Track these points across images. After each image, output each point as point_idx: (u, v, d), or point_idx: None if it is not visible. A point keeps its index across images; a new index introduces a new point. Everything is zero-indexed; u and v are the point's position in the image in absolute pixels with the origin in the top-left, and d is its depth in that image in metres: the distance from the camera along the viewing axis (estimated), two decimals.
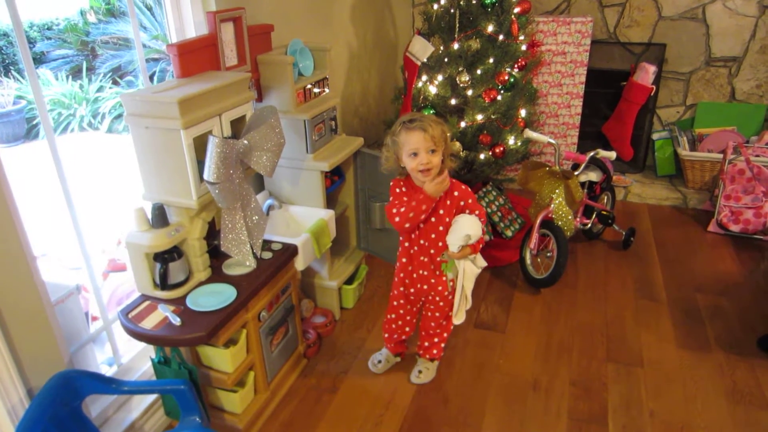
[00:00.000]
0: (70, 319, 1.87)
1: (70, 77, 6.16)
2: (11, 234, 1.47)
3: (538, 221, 2.80)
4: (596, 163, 3.11)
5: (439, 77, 2.97)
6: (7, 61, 6.09)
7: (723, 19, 3.65)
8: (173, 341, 1.70)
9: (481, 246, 1.95)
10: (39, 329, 1.57)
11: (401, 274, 2.09)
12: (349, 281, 2.69)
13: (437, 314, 2.14)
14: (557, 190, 2.80)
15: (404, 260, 2.06)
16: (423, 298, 2.14)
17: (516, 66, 3.00)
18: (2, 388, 1.47)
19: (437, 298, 2.08)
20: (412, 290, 2.10)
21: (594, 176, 3.08)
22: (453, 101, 2.97)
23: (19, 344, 1.51)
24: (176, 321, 1.72)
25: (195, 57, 1.91)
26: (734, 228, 3.29)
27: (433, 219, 1.93)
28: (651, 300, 2.75)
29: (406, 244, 2.03)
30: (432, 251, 1.98)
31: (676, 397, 2.16)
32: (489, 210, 3.18)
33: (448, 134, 1.89)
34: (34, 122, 5.77)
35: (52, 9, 6.34)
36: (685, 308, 2.68)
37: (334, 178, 2.59)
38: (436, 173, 1.84)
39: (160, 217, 1.78)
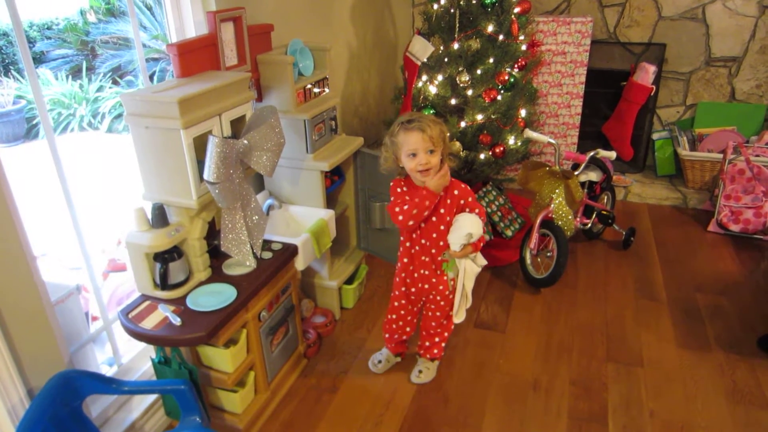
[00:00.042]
0: (70, 319, 1.87)
1: (70, 77, 6.16)
2: (11, 234, 1.47)
3: (538, 221, 2.80)
4: (596, 163, 3.11)
5: (439, 77, 2.97)
6: (6, 61, 6.09)
7: (723, 19, 3.65)
8: (173, 341, 1.70)
9: (482, 245, 1.95)
10: (39, 329, 1.57)
11: (402, 274, 2.09)
12: (349, 281, 2.69)
13: (438, 314, 2.14)
14: (557, 190, 2.80)
15: (405, 260, 2.06)
16: (424, 298, 2.14)
17: (516, 66, 3.00)
18: (2, 388, 1.47)
19: (438, 298, 2.08)
20: (413, 289, 2.10)
21: (594, 176, 3.08)
22: (453, 101, 2.97)
23: (19, 344, 1.51)
24: (176, 321, 1.72)
25: (195, 57, 1.91)
26: (734, 228, 3.29)
27: (434, 218, 1.93)
28: (651, 300, 2.75)
29: (408, 244, 2.03)
30: (433, 251, 1.98)
31: (676, 397, 2.16)
32: (489, 210, 3.18)
33: (447, 134, 1.89)
34: (34, 122, 5.77)
35: (52, 9, 6.34)
36: (685, 308, 2.68)
37: (334, 177, 2.59)
38: (436, 172, 1.85)
39: (160, 217, 1.78)
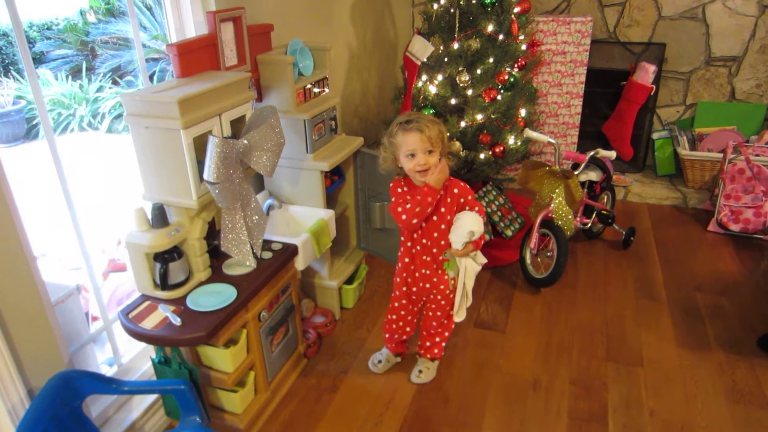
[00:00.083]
0: (70, 319, 1.87)
1: (70, 77, 6.16)
2: (11, 234, 1.47)
3: (538, 221, 2.80)
4: (596, 163, 3.11)
5: (439, 77, 2.97)
6: (6, 61, 6.09)
7: (723, 19, 3.64)
8: (173, 341, 1.70)
9: (482, 243, 1.96)
10: (39, 329, 1.57)
11: (404, 274, 2.09)
12: (349, 281, 2.69)
13: (438, 313, 2.14)
14: (557, 190, 2.80)
15: (407, 260, 2.05)
16: (424, 298, 2.14)
17: (516, 66, 3.00)
18: (2, 388, 1.47)
19: (439, 297, 2.08)
20: (414, 289, 2.10)
21: (594, 176, 3.08)
22: (453, 101, 2.97)
23: (20, 344, 1.51)
24: (176, 321, 1.72)
25: (195, 57, 1.91)
26: (734, 227, 3.29)
27: (435, 218, 1.93)
28: (651, 299, 2.75)
29: (409, 244, 2.03)
30: (434, 250, 1.98)
31: (676, 397, 2.16)
32: (489, 210, 3.18)
33: (445, 133, 1.89)
34: (34, 122, 5.77)
35: (52, 9, 6.34)
36: (685, 308, 2.68)
37: (334, 177, 2.59)
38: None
39: (160, 217, 1.78)
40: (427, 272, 2.03)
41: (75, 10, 6.37)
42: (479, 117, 2.92)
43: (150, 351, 2.01)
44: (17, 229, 1.49)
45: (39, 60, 6.19)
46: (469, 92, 2.93)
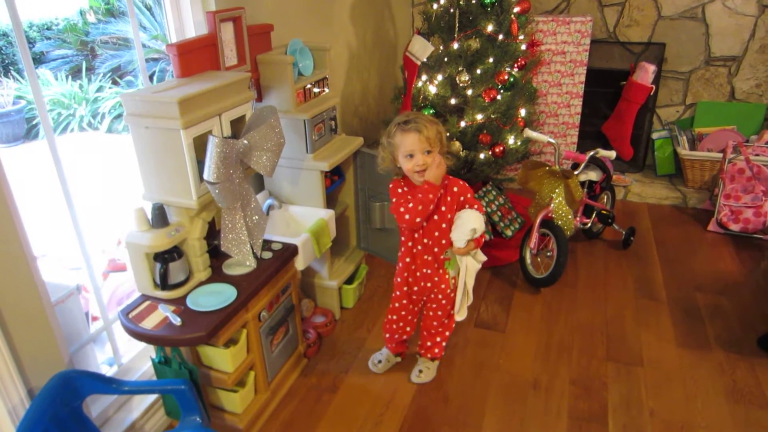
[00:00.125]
0: (71, 319, 1.87)
1: (70, 77, 6.17)
2: (11, 234, 1.47)
3: (538, 221, 2.80)
4: (596, 163, 3.11)
5: (439, 77, 2.97)
6: (6, 61, 6.09)
7: (722, 19, 3.65)
8: (173, 341, 1.70)
9: (483, 240, 1.97)
10: (39, 329, 1.58)
11: (405, 274, 2.09)
12: (349, 281, 2.69)
13: (439, 312, 2.14)
14: (557, 190, 2.80)
15: (408, 260, 2.05)
16: (425, 297, 2.14)
17: (516, 65, 3.00)
18: (3, 388, 1.47)
19: (440, 296, 2.09)
20: (415, 288, 2.09)
21: (594, 175, 3.08)
22: (453, 101, 2.97)
23: (20, 344, 1.51)
24: (176, 321, 1.72)
25: (195, 57, 1.91)
26: (734, 227, 3.29)
27: (435, 217, 1.93)
28: (651, 299, 2.75)
29: (410, 244, 2.03)
30: (436, 249, 1.99)
31: (676, 396, 2.17)
32: (489, 209, 3.19)
33: (443, 133, 1.89)
34: (34, 122, 5.77)
35: (52, 9, 6.34)
36: (685, 307, 2.68)
37: (333, 177, 2.59)
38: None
39: (160, 217, 1.78)
40: (429, 271, 2.03)
41: (75, 10, 6.37)
42: (479, 117, 2.92)
43: (150, 351, 2.01)
44: (17, 229, 1.49)
45: (39, 60, 6.19)
46: (469, 92, 2.93)
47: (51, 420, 1.44)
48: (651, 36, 3.82)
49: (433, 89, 2.98)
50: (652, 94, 3.69)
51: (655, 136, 3.98)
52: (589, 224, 3.15)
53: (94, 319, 2.35)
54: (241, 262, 1.98)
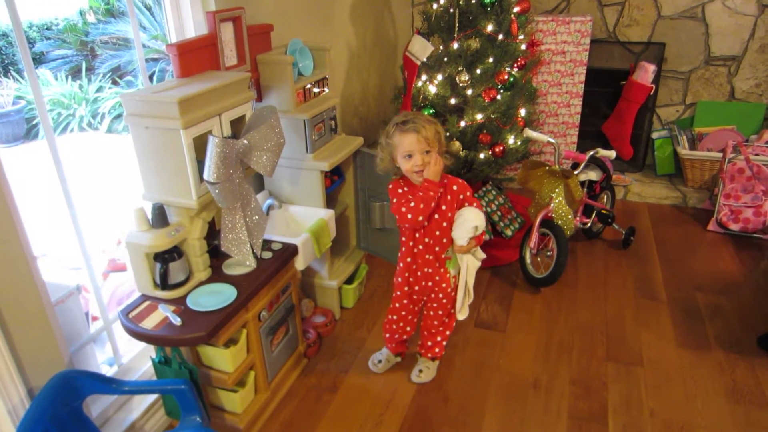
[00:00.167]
0: (71, 319, 1.87)
1: (70, 77, 6.16)
2: (11, 234, 1.47)
3: (538, 220, 2.80)
4: (596, 162, 3.11)
5: (439, 77, 2.97)
6: (6, 62, 6.09)
7: (722, 18, 3.65)
8: (174, 341, 1.70)
9: (483, 238, 1.97)
10: (39, 329, 1.58)
11: (405, 274, 2.08)
12: (349, 281, 2.69)
13: (440, 312, 2.14)
14: (557, 189, 2.80)
15: (408, 260, 2.05)
16: (425, 297, 2.14)
17: (515, 65, 3.00)
18: (3, 388, 1.47)
19: (440, 295, 2.09)
20: (416, 288, 2.09)
21: (594, 175, 3.08)
22: (453, 101, 2.97)
23: (20, 344, 1.51)
24: (176, 321, 1.72)
25: (195, 57, 1.91)
26: (734, 227, 3.29)
27: (436, 216, 1.94)
28: (651, 299, 2.75)
29: (410, 244, 2.03)
30: (437, 248, 1.99)
31: (676, 396, 2.17)
32: (489, 209, 3.19)
33: (442, 133, 1.89)
34: (34, 122, 5.77)
35: (52, 9, 6.34)
36: (685, 307, 2.68)
37: (333, 177, 2.59)
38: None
39: (160, 217, 1.78)
40: (430, 271, 2.04)
41: (75, 10, 6.37)
42: (479, 117, 2.92)
43: (150, 351, 2.01)
44: (17, 229, 1.49)
45: (39, 60, 6.19)
46: (469, 92, 2.93)
47: (51, 420, 1.44)
48: (651, 36, 3.82)
49: (433, 89, 2.98)
50: (651, 93, 3.69)
51: (655, 135, 3.98)
52: (589, 224, 3.15)
53: (94, 319, 2.35)
54: (241, 262, 1.98)
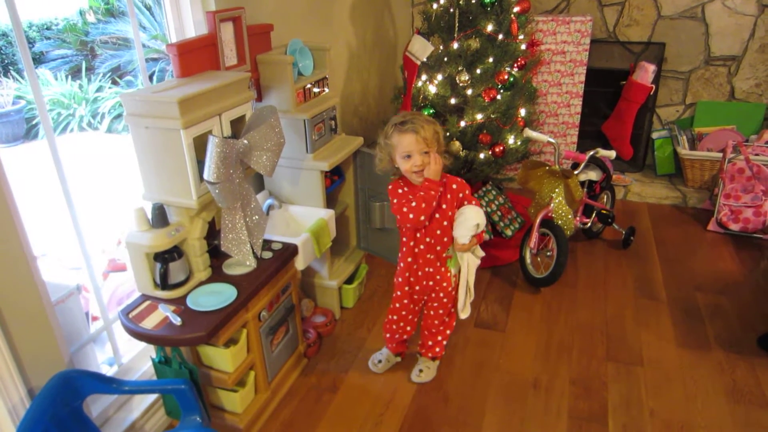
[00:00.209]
0: (71, 318, 1.87)
1: (70, 77, 6.16)
2: (11, 234, 1.47)
3: (538, 220, 2.80)
4: (596, 162, 3.12)
5: (439, 77, 2.97)
6: (6, 61, 6.09)
7: (722, 18, 3.65)
8: (174, 341, 1.70)
9: (483, 236, 1.98)
10: (39, 329, 1.58)
11: (406, 274, 2.08)
12: (349, 281, 2.69)
13: (441, 311, 2.14)
14: (557, 189, 2.80)
15: (409, 260, 2.05)
16: (426, 296, 2.14)
17: (515, 65, 3.00)
18: (3, 387, 1.47)
19: (441, 294, 2.09)
20: (417, 288, 2.09)
21: (594, 175, 3.08)
22: (453, 100, 2.97)
23: (20, 344, 1.51)
24: (177, 321, 1.72)
25: (195, 57, 1.91)
26: (734, 227, 3.29)
27: (437, 215, 1.94)
28: (651, 299, 2.75)
29: (411, 244, 2.02)
30: (438, 247, 1.99)
31: (676, 396, 2.17)
32: (489, 209, 3.19)
33: (440, 133, 1.90)
34: (34, 122, 5.77)
35: (51, 9, 6.34)
36: (685, 307, 2.68)
37: (333, 177, 2.59)
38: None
39: (160, 217, 1.78)
40: (431, 270, 2.04)
41: (74, 10, 6.37)
42: (479, 117, 2.92)
43: (150, 351, 2.01)
44: (17, 229, 1.49)
45: (39, 60, 6.19)
46: (469, 92, 2.93)
47: (51, 420, 1.44)
48: (651, 36, 3.82)
49: (433, 89, 2.98)
50: (651, 93, 3.69)
51: (654, 135, 3.98)
52: (589, 224, 3.15)
53: (94, 318, 2.35)
54: (241, 261, 1.98)
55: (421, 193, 1.86)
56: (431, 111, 2.97)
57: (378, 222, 2.64)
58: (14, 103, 5.68)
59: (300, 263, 2.15)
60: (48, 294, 1.62)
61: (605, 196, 3.32)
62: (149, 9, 5.81)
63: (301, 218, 2.42)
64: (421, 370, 2.26)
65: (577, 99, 3.76)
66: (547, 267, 2.79)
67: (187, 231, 1.83)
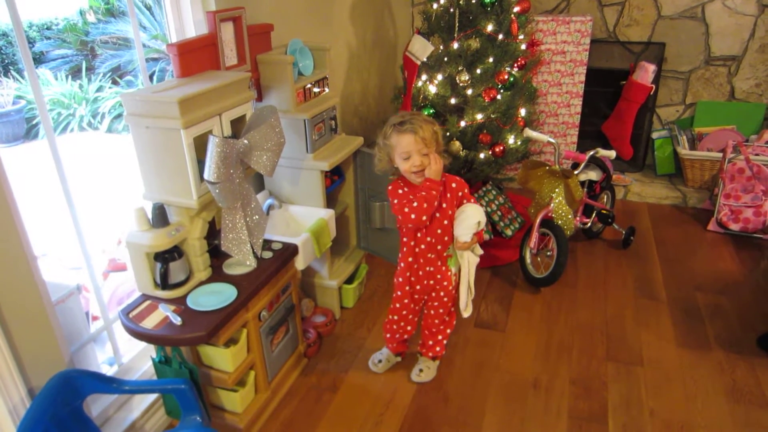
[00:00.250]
0: (71, 318, 1.87)
1: (70, 77, 6.17)
2: (11, 234, 1.47)
3: (538, 220, 2.80)
4: (596, 162, 3.12)
5: (439, 76, 2.97)
6: (6, 61, 6.09)
7: (722, 18, 3.65)
8: (174, 341, 1.70)
9: (482, 234, 1.99)
10: (40, 329, 1.58)
11: (407, 274, 2.08)
12: (350, 281, 2.70)
13: (441, 310, 2.14)
14: (557, 189, 2.80)
15: (410, 259, 2.05)
16: (426, 296, 2.14)
17: (516, 65, 3.00)
18: (3, 387, 1.47)
19: (441, 294, 2.09)
20: (417, 287, 2.09)
21: (594, 175, 3.08)
22: (453, 100, 2.97)
23: (20, 344, 1.51)
24: (177, 320, 1.72)
25: (195, 57, 1.91)
26: (734, 227, 3.29)
27: (437, 214, 1.94)
28: (651, 299, 2.76)
29: (412, 243, 2.02)
30: (439, 246, 1.99)
31: (676, 396, 2.17)
32: (489, 209, 3.19)
33: (439, 133, 1.90)
34: (34, 122, 5.77)
35: (52, 9, 6.34)
36: (685, 307, 2.69)
37: (333, 177, 2.59)
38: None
39: (160, 217, 1.78)
40: (431, 269, 2.04)
41: (75, 10, 6.37)
42: (479, 117, 2.92)
43: (150, 350, 2.01)
44: (18, 228, 1.49)
45: (39, 60, 6.19)
46: (469, 92, 2.93)
47: (51, 419, 1.45)
48: (651, 36, 3.82)
49: (433, 89, 2.98)
50: (651, 93, 3.69)
51: (655, 135, 3.98)
52: (589, 224, 3.15)
53: (95, 318, 2.35)
54: (242, 261, 1.98)
55: (423, 193, 1.86)
56: (431, 111, 2.97)
57: (378, 222, 2.65)
58: (14, 102, 5.68)
59: (300, 263, 2.16)
60: (48, 294, 1.62)
61: (605, 196, 3.32)
62: (149, 9, 5.81)
63: (301, 218, 2.42)
64: (421, 370, 2.26)
65: (577, 99, 3.76)
66: (547, 267, 2.79)
67: (188, 231, 1.84)
